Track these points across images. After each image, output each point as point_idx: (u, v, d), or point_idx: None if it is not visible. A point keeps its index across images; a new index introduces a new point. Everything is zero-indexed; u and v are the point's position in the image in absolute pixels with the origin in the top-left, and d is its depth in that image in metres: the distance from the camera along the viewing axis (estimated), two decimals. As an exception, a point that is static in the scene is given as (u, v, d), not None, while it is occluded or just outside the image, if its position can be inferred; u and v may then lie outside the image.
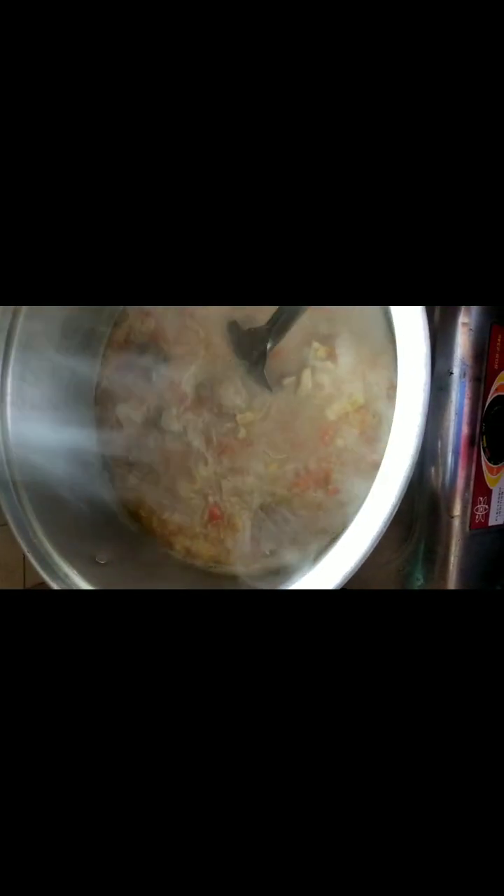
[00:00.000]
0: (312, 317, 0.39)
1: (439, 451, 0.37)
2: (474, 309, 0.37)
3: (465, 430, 0.37)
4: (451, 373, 0.37)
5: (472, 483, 0.38)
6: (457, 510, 0.38)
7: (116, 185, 0.24)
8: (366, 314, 0.40)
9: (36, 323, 0.37)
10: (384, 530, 0.30)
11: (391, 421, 0.39)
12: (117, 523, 0.46)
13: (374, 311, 0.39)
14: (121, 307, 0.46)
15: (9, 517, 0.37)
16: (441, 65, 0.23)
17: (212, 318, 0.43)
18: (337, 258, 0.25)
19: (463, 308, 0.37)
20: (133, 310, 0.46)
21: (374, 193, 0.24)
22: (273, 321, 0.36)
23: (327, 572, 0.31)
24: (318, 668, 0.25)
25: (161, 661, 0.25)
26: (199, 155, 0.24)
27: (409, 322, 0.30)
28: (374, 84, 0.24)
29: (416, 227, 0.24)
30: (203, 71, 0.24)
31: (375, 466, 0.35)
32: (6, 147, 0.24)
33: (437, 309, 0.38)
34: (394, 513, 0.30)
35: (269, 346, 0.37)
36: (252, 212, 0.24)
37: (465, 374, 0.37)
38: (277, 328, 0.36)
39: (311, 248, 0.25)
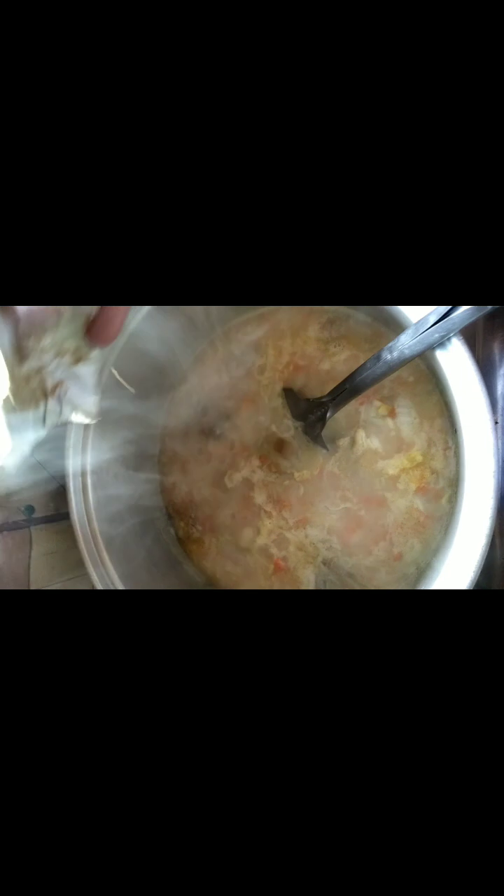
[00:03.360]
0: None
1: None
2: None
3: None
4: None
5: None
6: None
7: (116, 186, 0.24)
8: (423, 380, 0.42)
9: (112, 401, 0.40)
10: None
11: (448, 478, 0.41)
12: (184, 574, 0.48)
13: (431, 379, 0.42)
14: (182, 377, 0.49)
15: (93, 576, 0.39)
16: (438, 66, 0.23)
17: (271, 384, 0.46)
18: (334, 259, 0.24)
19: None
20: (193, 372, 0.49)
21: (373, 196, 0.24)
22: (335, 393, 0.38)
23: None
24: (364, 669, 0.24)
25: (189, 662, 0.25)
26: (200, 161, 0.24)
27: (476, 417, 0.32)
28: (373, 89, 0.23)
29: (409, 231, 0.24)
30: (204, 76, 0.23)
31: (433, 522, 0.36)
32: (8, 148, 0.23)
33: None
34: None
35: (329, 413, 0.40)
36: (252, 211, 0.24)
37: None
38: (340, 400, 0.38)
39: (313, 249, 0.24)
